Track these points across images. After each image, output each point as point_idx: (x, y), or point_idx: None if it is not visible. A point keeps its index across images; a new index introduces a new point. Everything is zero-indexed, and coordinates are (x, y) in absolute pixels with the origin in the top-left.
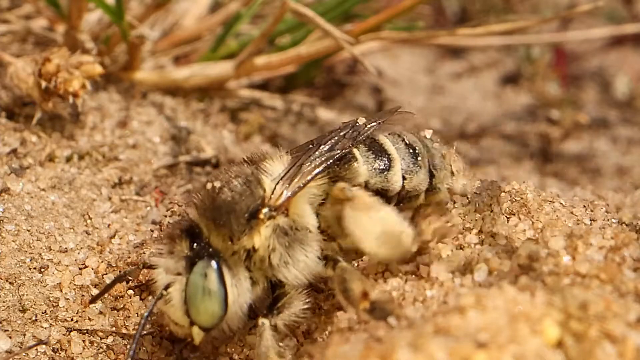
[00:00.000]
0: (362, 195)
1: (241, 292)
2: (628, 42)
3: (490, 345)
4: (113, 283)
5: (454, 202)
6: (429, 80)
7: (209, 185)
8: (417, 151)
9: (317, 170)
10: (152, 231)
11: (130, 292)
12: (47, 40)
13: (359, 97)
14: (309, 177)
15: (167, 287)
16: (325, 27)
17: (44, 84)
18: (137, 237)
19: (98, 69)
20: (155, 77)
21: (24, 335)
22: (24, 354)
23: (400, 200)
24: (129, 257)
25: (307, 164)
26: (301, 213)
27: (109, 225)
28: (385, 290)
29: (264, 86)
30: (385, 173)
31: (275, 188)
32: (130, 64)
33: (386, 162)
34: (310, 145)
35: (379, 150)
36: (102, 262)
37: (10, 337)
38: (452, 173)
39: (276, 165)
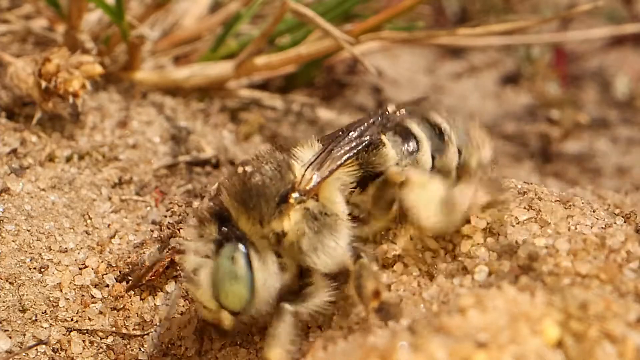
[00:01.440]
0: (415, 174)
1: (269, 276)
2: (628, 42)
3: (490, 345)
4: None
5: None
6: (429, 80)
7: (240, 170)
8: (443, 130)
9: (347, 155)
10: (152, 231)
11: (130, 292)
12: (47, 40)
13: (359, 97)
14: (338, 162)
15: (195, 270)
16: (325, 27)
17: (44, 84)
18: (137, 237)
19: (98, 69)
20: (155, 77)
21: (24, 335)
22: (24, 354)
23: None
24: (129, 257)
25: (336, 150)
26: (331, 198)
27: (109, 225)
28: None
29: (264, 86)
30: (414, 154)
31: (305, 173)
32: (130, 64)
33: (414, 144)
34: (340, 133)
35: (405, 134)
36: (102, 262)
37: (10, 337)
38: (478, 147)
39: (306, 151)
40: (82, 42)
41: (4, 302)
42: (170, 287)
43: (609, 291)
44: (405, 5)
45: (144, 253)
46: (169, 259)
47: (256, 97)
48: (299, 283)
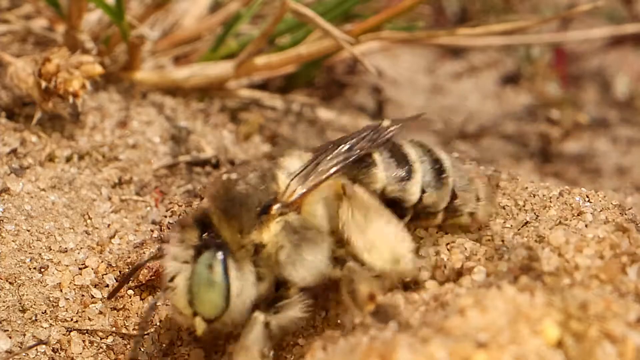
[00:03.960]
0: (362, 195)
1: (245, 286)
2: (628, 42)
3: (490, 345)
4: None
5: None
6: (429, 80)
7: (224, 177)
8: (442, 167)
9: (333, 169)
10: (152, 231)
11: (130, 292)
12: (47, 40)
13: (359, 97)
14: (324, 176)
15: (173, 275)
16: (325, 27)
17: (44, 84)
18: (137, 237)
19: (98, 69)
20: (155, 77)
21: (24, 335)
22: (24, 354)
23: (417, 214)
24: (129, 257)
25: (323, 163)
26: (314, 212)
27: (109, 225)
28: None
29: (264, 86)
30: (403, 182)
31: (289, 184)
32: (130, 64)
33: (407, 171)
34: (330, 145)
35: (401, 159)
36: (102, 262)
37: (10, 337)
38: (478, 198)
39: (294, 162)
40: (82, 42)
41: (4, 302)
42: None
43: (609, 291)
44: (405, 5)
45: (144, 253)
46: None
47: (256, 97)
48: (275, 295)
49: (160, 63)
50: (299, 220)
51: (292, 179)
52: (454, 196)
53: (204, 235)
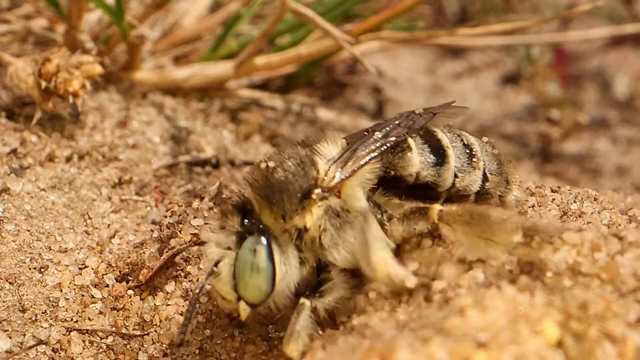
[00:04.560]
0: (451, 210)
1: (289, 270)
2: (628, 42)
3: (490, 345)
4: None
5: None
6: (429, 80)
7: (262, 165)
8: (473, 152)
9: (371, 155)
10: (152, 231)
11: (130, 292)
12: (47, 40)
13: (359, 97)
14: (362, 162)
15: (216, 261)
16: (325, 27)
17: (44, 84)
18: (137, 237)
19: (98, 69)
20: (155, 77)
21: (24, 335)
22: (24, 354)
23: (450, 197)
24: (129, 257)
25: (361, 149)
26: (353, 196)
27: (109, 225)
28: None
29: (264, 86)
30: (437, 167)
31: (328, 170)
32: (130, 64)
33: (440, 156)
34: (366, 133)
35: (434, 145)
36: (102, 262)
37: (10, 337)
38: (507, 182)
39: (331, 148)
40: (82, 42)
41: (4, 302)
42: (171, 287)
43: (609, 291)
44: (405, 5)
45: (144, 253)
46: (169, 259)
47: (256, 97)
48: (317, 278)
49: (160, 63)
50: (340, 204)
51: (331, 165)
52: (485, 179)
53: (245, 221)
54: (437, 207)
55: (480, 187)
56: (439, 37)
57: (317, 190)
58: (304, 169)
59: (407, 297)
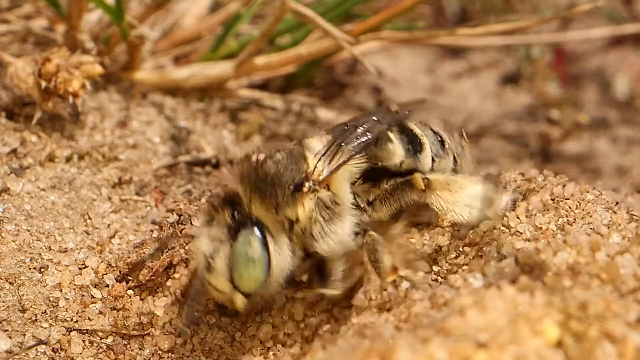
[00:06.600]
0: (437, 178)
1: (283, 259)
2: (628, 42)
3: (490, 345)
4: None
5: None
6: (429, 80)
7: (253, 158)
8: (442, 139)
9: (357, 149)
10: (152, 231)
11: (130, 292)
12: (47, 40)
13: (359, 97)
14: (348, 156)
15: (209, 254)
16: (325, 27)
17: (44, 84)
18: (137, 237)
19: (98, 69)
20: (155, 77)
21: (24, 335)
22: (24, 354)
23: None
24: (129, 257)
25: (347, 143)
26: (341, 188)
27: (109, 225)
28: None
29: (264, 86)
30: (417, 155)
31: (317, 163)
32: (130, 64)
33: (418, 145)
34: (345, 127)
35: (410, 135)
36: (102, 262)
37: (10, 337)
38: (468, 157)
39: (316, 142)
40: (82, 42)
41: (4, 302)
42: (171, 287)
43: (609, 291)
44: (405, 5)
45: (144, 253)
46: (169, 259)
47: (256, 97)
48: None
49: (160, 63)
50: (330, 196)
51: (320, 159)
52: (455, 161)
53: (235, 213)
54: (419, 175)
55: (453, 168)
56: (439, 37)
57: (309, 183)
58: (295, 162)
59: (407, 297)
